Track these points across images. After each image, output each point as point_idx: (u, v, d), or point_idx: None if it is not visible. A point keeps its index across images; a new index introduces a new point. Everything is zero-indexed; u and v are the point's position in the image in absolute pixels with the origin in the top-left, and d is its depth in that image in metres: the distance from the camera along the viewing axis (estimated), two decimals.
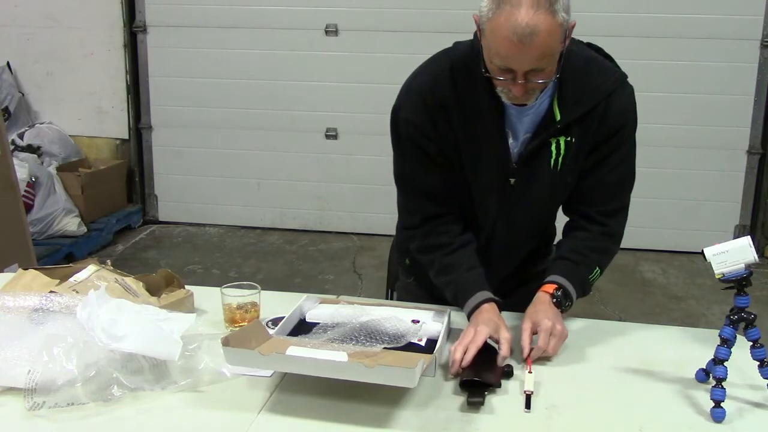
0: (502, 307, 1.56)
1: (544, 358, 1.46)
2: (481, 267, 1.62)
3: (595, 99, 1.53)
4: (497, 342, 1.45)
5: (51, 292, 1.56)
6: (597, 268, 1.62)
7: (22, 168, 4.19)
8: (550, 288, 1.57)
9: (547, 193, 1.61)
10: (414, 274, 1.82)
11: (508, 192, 1.60)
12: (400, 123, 1.59)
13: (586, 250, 1.62)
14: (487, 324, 1.47)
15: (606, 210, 1.64)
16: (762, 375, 1.29)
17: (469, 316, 1.55)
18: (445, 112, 1.55)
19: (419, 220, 1.65)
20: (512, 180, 1.59)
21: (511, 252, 1.72)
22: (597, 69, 1.56)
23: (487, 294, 1.56)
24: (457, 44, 1.59)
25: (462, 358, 1.38)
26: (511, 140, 1.56)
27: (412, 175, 1.64)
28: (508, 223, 1.66)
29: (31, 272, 1.68)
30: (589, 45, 1.61)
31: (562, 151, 1.55)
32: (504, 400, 1.32)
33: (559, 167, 1.57)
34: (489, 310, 1.52)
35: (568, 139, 1.54)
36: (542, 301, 1.55)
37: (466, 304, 1.56)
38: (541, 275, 1.65)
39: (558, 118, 1.52)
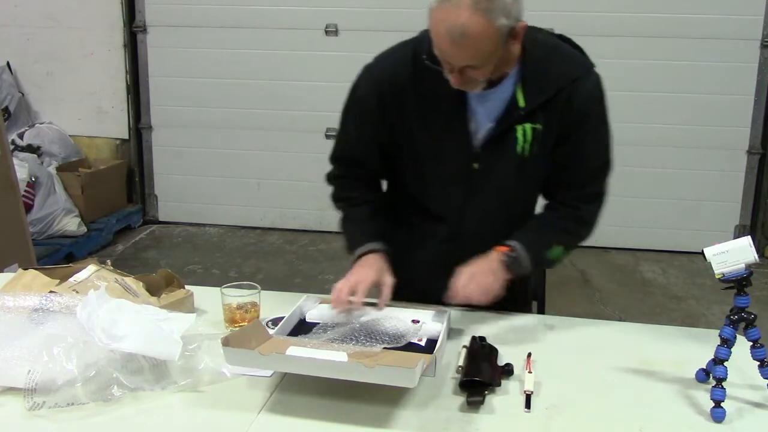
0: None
1: (543, 358, 1.46)
2: (376, 221, 1.69)
3: (559, 84, 1.54)
4: (380, 286, 1.53)
5: (51, 292, 1.56)
6: (559, 246, 1.63)
7: (22, 168, 4.19)
8: (502, 248, 1.59)
9: (514, 180, 1.62)
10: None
11: (472, 177, 1.61)
12: (354, 99, 1.68)
13: (550, 224, 1.64)
14: (370, 267, 1.56)
15: (580, 195, 1.64)
16: (762, 375, 1.29)
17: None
18: (400, 98, 1.59)
19: (341, 179, 1.76)
20: (476, 165, 1.60)
21: (487, 246, 1.67)
22: (562, 57, 1.58)
23: (374, 245, 1.63)
24: (423, 32, 1.59)
25: (346, 292, 1.50)
26: (474, 126, 1.58)
27: (347, 147, 1.73)
28: (478, 212, 1.66)
29: (31, 272, 1.68)
30: (560, 36, 1.62)
31: (528, 138, 1.56)
32: (504, 400, 1.32)
33: (526, 154, 1.58)
34: (373, 257, 1.62)
35: (535, 125, 1.56)
36: (488, 256, 1.58)
37: (354, 254, 1.65)
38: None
39: (522, 104, 1.54)
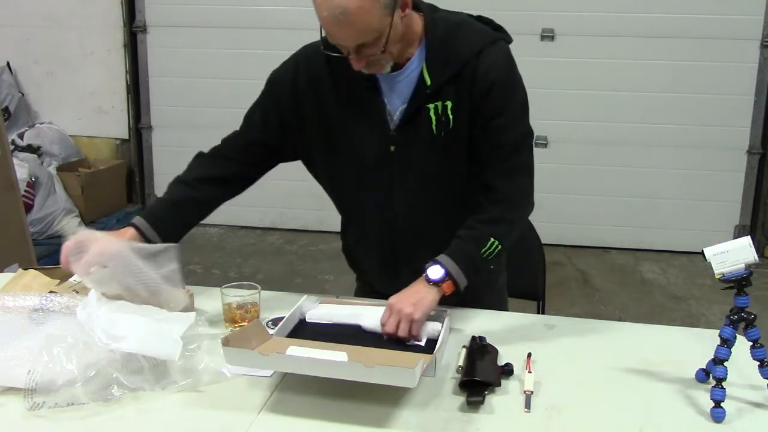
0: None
1: (543, 358, 1.46)
2: (170, 204, 1.71)
3: (462, 59, 1.53)
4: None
5: (51, 292, 1.56)
6: (492, 240, 1.55)
7: (22, 168, 4.19)
8: (445, 287, 1.52)
9: (434, 160, 1.59)
10: (355, 271, 1.89)
11: (391, 161, 1.60)
12: (268, 84, 1.73)
13: (475, 223, 1.57)
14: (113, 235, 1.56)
15: (499, 171, 1.58)
16: (762, 375, 1.29)
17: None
18: (316, 84, 1.61)
19: (209, 153, 1.79)
20: (392, 148, 1.60)
21: (422, 232, 1.65)
22: (466, 32, 1.56)
23: (139, 221, 1.65)
24: None
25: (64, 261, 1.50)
26: (389, 108, 1.58)
27: (248, 132, 1.77)
28: (405, 196, 1.63)
29: (31, 272, 1.68)
30: (478, 17, 1.61)
31: (441, 116, 1.56)
32: (504, 400, 1.32)
33: (442, 133, 1.57)
34: (126, 231, 1.62)
35: (445, 103, 1.55)
36: (417, 281, 1.53)
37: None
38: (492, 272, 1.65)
39: (428, 83, 1.54)
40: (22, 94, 5.00)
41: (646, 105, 4.59)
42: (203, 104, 4.95)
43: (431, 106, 1.55)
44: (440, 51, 1.54)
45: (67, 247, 1.52)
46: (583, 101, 4.58)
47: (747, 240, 1.26)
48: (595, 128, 4.62)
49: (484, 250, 1.55)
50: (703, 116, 4.55)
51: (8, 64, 4.98)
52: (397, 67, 1.54)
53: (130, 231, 1.61)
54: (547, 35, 4.47)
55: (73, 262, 1.50)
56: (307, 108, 1.63)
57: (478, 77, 1.52)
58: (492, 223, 1.57)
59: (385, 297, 1.55)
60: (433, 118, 1.56)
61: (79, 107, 5.05)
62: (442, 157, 1.59)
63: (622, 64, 4.55)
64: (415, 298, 1.49)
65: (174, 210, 1.70)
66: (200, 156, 1.78)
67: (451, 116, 1.55)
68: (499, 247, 1.56)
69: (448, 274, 1.51)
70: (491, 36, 1.56)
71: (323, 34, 1.50)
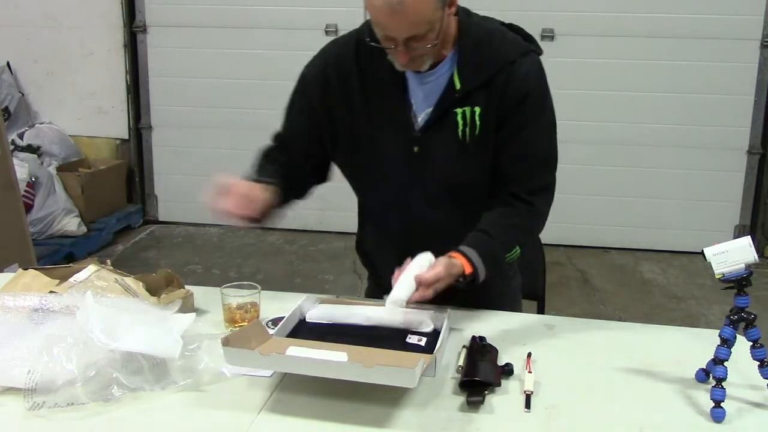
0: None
1: (543, 358, 1.46)
2: (280, 176, 1.69)
3: (495, 66, 1.54)
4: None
5: (51, 292, 1.56)
6: (517, 248, 1.62)
7: (22, 168, 4.19)
8: (466, 268, 1.52)
9: (456, 165, 1.60)
10: (368, 270, 1.88)
11: (413, 162, 1.61)
12: (299, 83, 1.71)
13: (506, 225, 1.58)
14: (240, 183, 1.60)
15: (529, 188, 1.60)
16: (762, 375, 1.29)
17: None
18: (345, 79, 1.61)
19: (272, 147, 1.78)
20: (416, 148, 1.60)
21: (438, 235, 1.61)
22: (500, 40, 1.57)
23: (268, 179, 1.65)
24: (364, 23, 1.62)
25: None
26: (415, 109, 1.59)
27: (288, 129, 1.75)
28: (423, 199, 1.64)
29: (31, 272, 1.67)
30: (510, 25, 1.62)
31: (469, 121, 1.56)
32: (504, 400, 1.32)
33: (467, 138, 1.57)
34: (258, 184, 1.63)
35: (474, 109, 1.55)
36: (450, 268, 1.51)
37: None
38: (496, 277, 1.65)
39: (458, 87, 1.54)
40: (22, 94, 5.00)
41: (646, 105, 4.59)
42: (203, 104, 4.95)
43: (459, 110, 1.56)
44: (473, 56, 1.54)
45: (215, 187, 1.56)
46: (583, 101, 4.58)
47: (747, 240, 1.26)
48: (595, 128, 4.62)
49: (508, 255, 1.61)
50: (703, 116, 4.55)
51: (8, 64, 4.98)
52: (429, 67, 1.55)
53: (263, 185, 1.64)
54: (547, 35, 4.47)
55: (218, 202, 1.56)
56: (335, 103, 1.64)
57: (511, 88, 1.54)
58: (522, 230, 1.62)
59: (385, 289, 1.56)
60: (460, 122, 1.56)
61: (79, 107, 5.05)
62: (464, 162, 1.60)
63: (622, 64, 4.55)
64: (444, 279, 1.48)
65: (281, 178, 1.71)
66: (269, 149, 1.80)
67: (478, 122, 1.56)
68: (517, 255, 1.64)
69: (474, 275, 1.52)
70: (524, 47, 1.57)
71: (367, 25, 1.51)
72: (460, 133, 1.57)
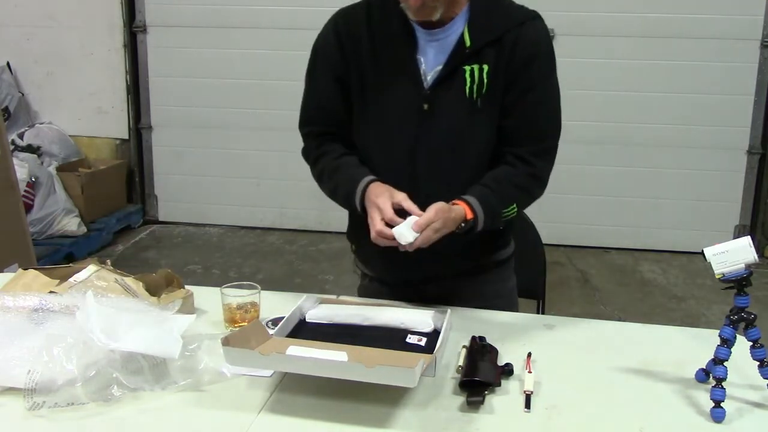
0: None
1: (543, 358, 1.46)
2: (365, 167, 1.65)
3: (506, 25, 1.57)
4: (403, 208, 1.50)
5: (51, 292, 1.56)
6: (514, 204, 1.63)
7: (22, 168, 4.19)
8: (467, 213, 1.55)
9: (464, 123, 1.61)
10: (361, 260, 1.85)
11: (422, 119, 1.61)
12: (316, 45, 1.71)
13: (507, 182, 1.61)
14: (381, 195, 1.52)
15: (534, 150, 1.63)
16: (762, 375, 1.29)
17: (361, 204, 1.59)
18: (356, 41, 1.63)
19: (313, 141, 1.72)
20: (426, 105, 1.61)
21: (440, 193, 1.60)
22: (509, 3, 1.63)
23: (372, 177, 1.60)
24: None
25: (387, 230, 1.47)
26: (424, 67, 1.61)
27: (314, 98, 1.71)
28: (429, 156, 1.63)
29: (31, 272, 1.67)
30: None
31: (476, 79, 1.58)
32: (504, 400, 1.32)
33: (475, 95, 1.59)
34: (377, 185, 1.57)
35: (483, 66, 1.57)
36: (450, 212, 1.53)
37: (355, 193, 1.59)
38: (501, 265, 1.70)
39: (468, 44, 1.57)
40: (22, 94, 5.00)
41: (646, 105, 4.59)
42: (203, 104, 4.95)
43: (467, 68, 1.58)
44: (484, 15, 1.58)
45: (380, 230, 1.50)
46: (583, 101, 4.58)
47: (747, 240, 1.26)
48: (595, 128, 4.62)
49: (505, 211, 1.61)
50: (703, 116, 4.55)
51: (8, 64, 4.98)
52: (440, 23, 1.57)
53: (377, 183, 1.59)
54: None
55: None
56: (349, 60, 1.65)
57: (520, 48, 1.56)
58: (522, 190, 1.63)
59: (391, 288, 1.63)
60: (468, 80, 1.58)
61: (79, 107, 5.05)
62: (471, 120, 1.61)
63: (622, 64, 4.55)
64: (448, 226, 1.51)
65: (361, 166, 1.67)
66: (310, 139, 1.74)
67: (486, 80, 1.58)
68: (515, 213, 1.64)
69: (474, 221, 1.55)
70: (533, 12, 1.62)
71: None
72: (467, 90, 1.58)
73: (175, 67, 4.95)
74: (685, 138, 4.59)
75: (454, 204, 1.54)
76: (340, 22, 1.67)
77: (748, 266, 1.25)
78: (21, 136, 4.74)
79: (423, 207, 1.51)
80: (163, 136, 5.10)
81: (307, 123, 1.75)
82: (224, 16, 4.81)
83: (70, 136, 5.02)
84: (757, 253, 1.25)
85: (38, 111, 5.09)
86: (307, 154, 1.75)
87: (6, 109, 4.77)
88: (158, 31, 4.94)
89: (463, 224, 1.54)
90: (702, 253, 1.27)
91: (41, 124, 4.98)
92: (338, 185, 1.66)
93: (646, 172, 4.68)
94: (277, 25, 4.74)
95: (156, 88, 5.02)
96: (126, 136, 5.09)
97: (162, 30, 4.93)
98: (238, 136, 4.96)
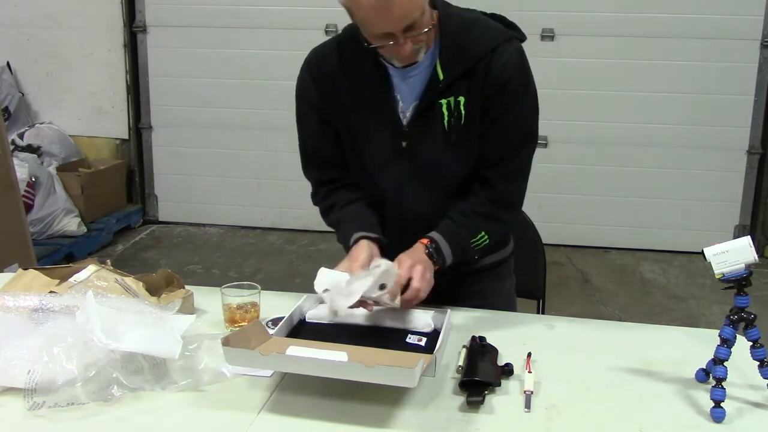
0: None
1: (543, 358, 1.46)
2: (367, 214, 1.67)
3: (477, 54, 1.55)
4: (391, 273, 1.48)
5: (51, 292, 1.56)
6: (482, 233, 1.61)
7: (22, 168, 4.19)
8: (424, 241, 1.58)
9: (445, 157, 1.61)
10: None
11: (403, 157, 1.62)
12: (295, 97, 1.72)
13: (470, 213, 1.61)
14: (363, 250, 1.55)
15: (502, 172, 1.61)
16: (762, 375, 1.29)
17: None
18: (332, 82, 1.63)
19: (320, 189, 1.75)
20: (404, 143, 1.61)
21: (432, 228, 1.64)
22: (481, 28, 1.58)
23: (364, 233, 1.61)
24: (345, 27, 1.65)
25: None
26: (402, 105, 1.60)
27: (307, 143, 1.74)
28: (416, 193, 1.65)
29: (31, 272, 1.67)
30: (492, 15, 1.63)
31: (453, 111, 1.57)
32: (504, 400, 1.32)
33: (453, 128, 1.58)
34: (362, 244, 1.59)
35: (458, 99, 1.56)
36: (417, 249, 1.57)
37: (348, 246, 1.63)
38: (500, 265, 1.71)
39: (441, 77, 1.55)
40: (22, 94, 5.00)
41: (646, 105, 4.59)
42: (203, 104, 4.96)
43: (444, 101, 1.57)
44: (454, 46, 1.55)
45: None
46: (583, 101, 4.58)
47: (747, 240, 1.26)
48: (595, 128, 4.62)
49: (473, 241, 1.61)
50: (703, 116, 4.55)
51: (8, 64, 4.98)
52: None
53: (369, 242, 1.60)
54: (547, 35, 4.47)
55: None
56: (330, 101, 1.65)
57: (493, 73, 1.54)
58: (487, 218, 1.62)
59: None
60: (446, 113, 1.57)
61: (79, 107, 5.05)
62: (452, 152, 1.60)
63: (622, 64, 4.55)
64: (428, 277, 1.53)
65: (367, 214, 1.70)
66: (318, 187, 1.76)
67: (463, 111, 1.57)
68: (487, 242, 1.63)
69: (439, 252, 1.58)
70: (506, 34, 1.58)
71: (344, 31, 1.55)
72: (446, 124, 1.58)
73: (175, 67, 4.95)
74: (685, 138, 4.59)
75: (419, 242, 1.58)
76: (314, 65, 1.66)
77: (748, 266, 1.25)
78: (21, 136, 4.74)
79: (413, 241, 1.58)
80: (163, 136, 5.10)
81: (308, 168, 1.77)
82: (224, 16, 4.81)
83: (70, 136, 5.02)
84: (757, 253, 1.25)
85: (38, 111, 5.10)
86: (315, 202, 1.78)
87: (6, 109, 4.77)
88: (158, 31, 4.94)
89: (435, 257, 1.56)
90: (702, 253, 1.27)
91: (41, 124, 4.98)
92: (341, 233, 1.70)
93: (646, 172, 4.68)
94: (277, 25, 4.74)
95: (156, 88, 5.02)
96: (126, 136, 5.09)
97: (162, 30, 4.93)
98: (238, 136, 4.96)
